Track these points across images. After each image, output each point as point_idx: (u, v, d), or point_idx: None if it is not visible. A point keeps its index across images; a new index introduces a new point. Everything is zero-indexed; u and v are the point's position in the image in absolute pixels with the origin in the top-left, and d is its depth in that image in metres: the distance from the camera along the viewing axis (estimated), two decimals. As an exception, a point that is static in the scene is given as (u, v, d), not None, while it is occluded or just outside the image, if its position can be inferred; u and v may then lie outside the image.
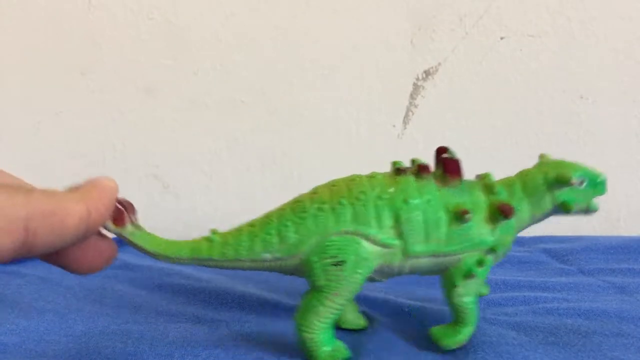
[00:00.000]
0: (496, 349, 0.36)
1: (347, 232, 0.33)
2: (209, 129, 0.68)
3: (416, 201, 0.33)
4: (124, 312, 0.42)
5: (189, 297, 0.46)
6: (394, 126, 0.68)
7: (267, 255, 0.34)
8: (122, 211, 0.31)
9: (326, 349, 0.34)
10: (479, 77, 0.68)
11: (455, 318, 0.35)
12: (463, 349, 0.36)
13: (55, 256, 0.26)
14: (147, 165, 0.68)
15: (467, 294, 0.35)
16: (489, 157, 0.65)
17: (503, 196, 0.34)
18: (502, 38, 0.67)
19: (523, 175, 0.36)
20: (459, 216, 0.33)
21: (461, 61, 0.67)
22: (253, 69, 0.67)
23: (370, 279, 0.35)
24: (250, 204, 0.69)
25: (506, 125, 0.68)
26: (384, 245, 0.33)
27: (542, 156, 0.37)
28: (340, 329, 0.39)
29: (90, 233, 0.26)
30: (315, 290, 0.33)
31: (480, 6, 0.66)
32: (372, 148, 0.68)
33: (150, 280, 0.49)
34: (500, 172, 0.36)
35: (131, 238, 0.32)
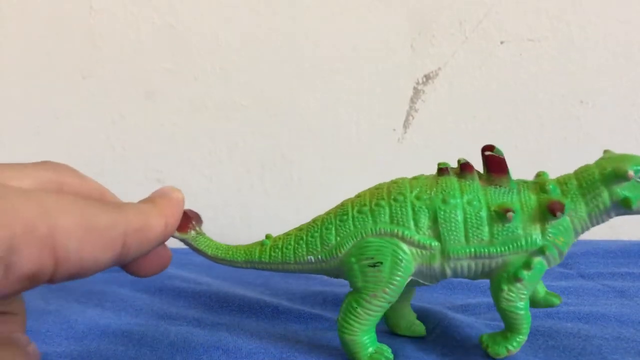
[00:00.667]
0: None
1: (384, 234, 0.33)
2: (209, 132, 0.68)
3: (455, 201, 0.32)
4: (125, 315, 0.42)
5: (189, 301, 0.46)
6: (394, 130, 0.68)
7: (311, 258, 0.35)
8: (187, 219, 0.34)
9: (367, 351, 0.34)
10: (478, 81, 0.68)
11: (505, 325, 0.34)
12: (464, 353, 0.36)
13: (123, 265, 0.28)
14: (148, 169, 0.68)
15: (516, 299, 0.33)
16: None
17: (555, 194, 0.33)
18: (501, 42, 0.67)
19: (580, 172, 0.34)
20: (501, 215, 0.32)
21: (461, 65, 0.68)
22: (253, 73, 0.67)
23: (415, 283, 0.34)
24: (251, 207, 0.69)
25: (506, 129, 0.68)
26: (421, 246, 0.33)
27: (605, 152, 0.35)
28: (398, 335, 0.39)
29: (161, 243, 0.28)
30: (354, 292, 0.34)
31: (480, 11, 0.67)
32: (373, 152, 0.68)
33: (151, 283, 0.49)
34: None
35: (194, 243, 0.35)
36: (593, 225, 0.34)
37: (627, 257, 0.58)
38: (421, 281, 0.34)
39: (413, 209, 0.33)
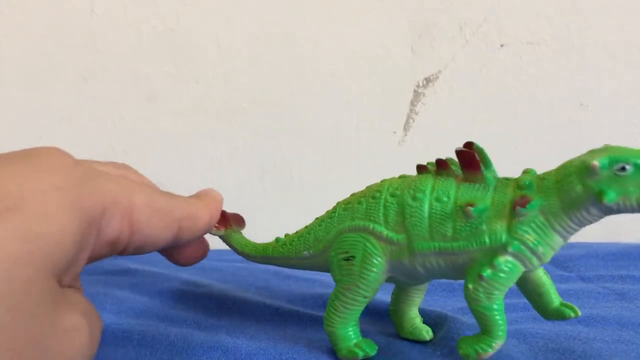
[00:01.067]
0: (496, 356, 0.36)
1: (359, 229, 0.34)
2: (209, 135, 0.68)
3: (423, 197, 0.32)
4: (125, 317, 0.42)
5: (189, 303, 0.46)
6: (394, 133, 0.68)
7: (306, 253, 0.37)
8: (225, 218, 0.39)
9: (346, 344, 0.35)
10: (478, 84, 0.68)
11: (480, 327, 0.32)
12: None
13: (170, 249, 0.33)
14: (149, 172, 0.68)
15: (483, 299, 0.31)
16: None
17: (530, 190, 0.31)
18: (501, 45, 0.67)
19: (560, 166, 0.31)
20: (463, 211, 0.31)
21: (461, 68, 0.68)
22: (254, 76, 0.67)
23: (392, 279, 0.35)
24: (251, 210, 0.69)
25: (506, 132, 0.68)
26: (389, 241, 0.33)
27: (604, 146, 0.32)
28: (401, 338, 0.39)
29: (205, 233, 0.34)
30: (335, 286, 0.35)
31: (480, 14, 0.67)
32: (373, 154, 0.68)
33: (151, 286, 0.49)
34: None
35: (227, 238, 0.39)
36: (577, 224, 0.30)
37: (627, 259, 0.58)
38: (403, 279, 0.35)
39: (385, 205, 0.34)
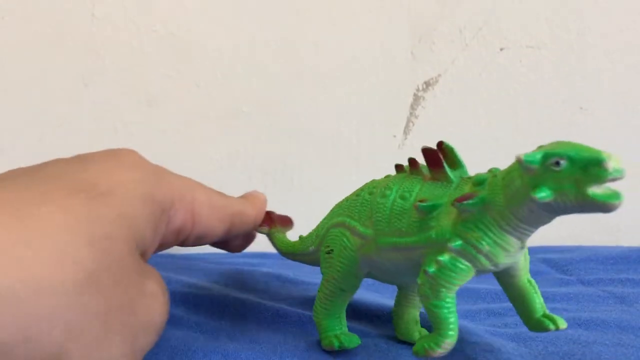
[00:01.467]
0: None
1: (339, 224, 0.37)
2: (210, 140, 0.68)
3: (390, 194, 0.33)
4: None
5: (190, 305, 0.46)
6: (394, 136, 0.69)
7: (311, 249, 0.40)
8: (270, 218, 0.42)
9: (328, 333, 0.37)
10: (478, 87, 0.68)
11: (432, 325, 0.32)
12: (464, 358, 0.36)
13: (223, 242, 0.39)
14: (149, 176, 0.68)
15: (430, 296, 0.30)
16: (489, 168, 0.65)
17: (479, 186, 0.29)
18: (501, 49, 0.68)
19: (512, 163, 0.29)
20: (413, 207, 0.31)
21: (461, 72, 0.68)
22: (254, 80, 0.67)
23: (371, 275, 0.36)
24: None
25: (506, 135, 0.68)
26: (361, 235, 0.35)
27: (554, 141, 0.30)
28: (401, 341, 0.39)
29: (252, 229, 0.40)
30: (322, 278, 0.38)
31: (480, 18, 0.67)
32: (373, 158, 0.68)
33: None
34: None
35: (271, 237, 0.43)
36: (526, 223, 0.28)
37: (627, 263, 0.58)
38: (380, 275, 0.35)
39: (361, 202, 0.35)
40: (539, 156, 0.26)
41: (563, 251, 0.64)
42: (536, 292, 0.32)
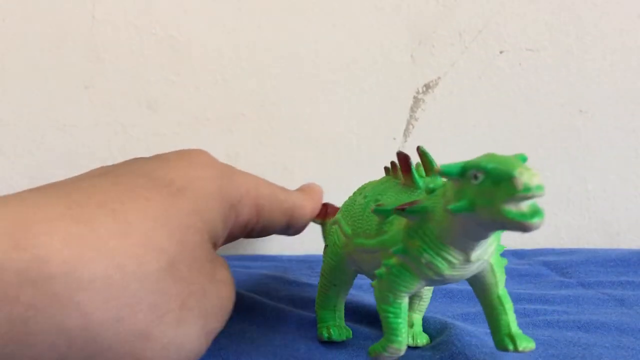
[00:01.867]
0: (496, 361, 0.36)
1: (335, 222, 0.38)
2: (210, 142, 0.68)
3: (368, 196, 0.35)
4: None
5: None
6: (394, 139, 0.69)
7: (326, 244, 0.41)
8: (325, 210, 0.43)
9: (321, 324, 0.38)
10: (478, 90, 0.68)
11: None
12: (463, 360, 0.36)
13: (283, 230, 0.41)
14: (149, 178, 0.68)
15: (379, 299, 0.30)
16: None
17: (433, 195, 0.28)
18: (501, 52, 0.68)
19: None
20: (371, 211, 0.32)
21: (461, 75, 0.68)
22: (254, 83, 0.67)
23: (360, 270, 0.37)
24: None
25: (505, 138, 0.68)
26: (344, 234, 0.36)
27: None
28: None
29: (310, 220, 0.42)
30: None
31: (480, 21, 0.67)
32: (373, 161, 0.68)
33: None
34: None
35: (322, 228, 0.44)
36: (465, 236, 0.26)
37: (626, 265, 0.58)
38: (364, 269, 0.36)
39: (351, 202, 0.37)
40: (457, 167, 0.25)
41: (563, 254, 0.64)
42: (504, 310, 0.31)
